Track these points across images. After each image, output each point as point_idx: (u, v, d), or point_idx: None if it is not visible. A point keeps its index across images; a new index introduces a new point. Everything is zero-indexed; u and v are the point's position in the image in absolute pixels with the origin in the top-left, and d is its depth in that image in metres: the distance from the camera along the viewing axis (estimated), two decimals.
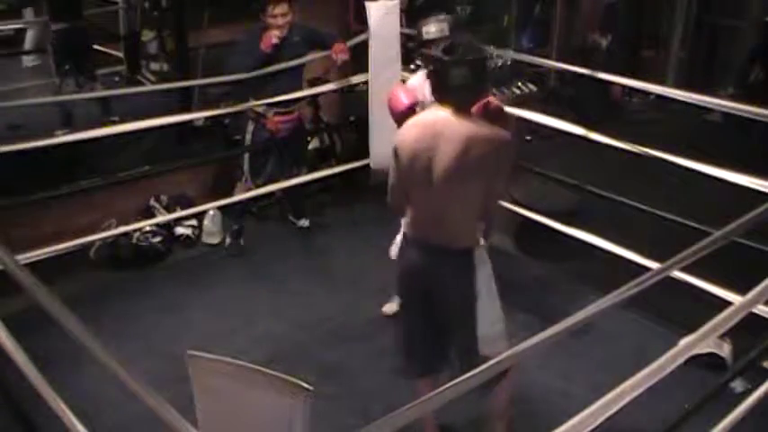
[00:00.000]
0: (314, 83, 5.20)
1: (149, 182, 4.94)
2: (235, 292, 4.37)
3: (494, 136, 2.61)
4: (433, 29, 3.38)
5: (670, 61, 7.97)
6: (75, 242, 4.10)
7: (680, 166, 3.69)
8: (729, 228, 2.19)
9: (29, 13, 6.31)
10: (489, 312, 2.77)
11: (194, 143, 5.34)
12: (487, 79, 2.74)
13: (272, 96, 4.53)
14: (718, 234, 2.16)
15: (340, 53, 4.54)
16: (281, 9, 4.34)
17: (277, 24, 4.34)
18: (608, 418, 1.83)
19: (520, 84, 6.90)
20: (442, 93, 2.62)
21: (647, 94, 6.59)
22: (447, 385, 1.62)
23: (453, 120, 2.59)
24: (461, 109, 2.61)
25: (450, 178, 2.59)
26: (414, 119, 2.79)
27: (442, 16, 3.41)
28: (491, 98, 3.01)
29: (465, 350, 2.82)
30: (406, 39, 5.20)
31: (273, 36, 4.33)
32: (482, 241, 2.78)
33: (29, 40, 6.32)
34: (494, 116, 2.83)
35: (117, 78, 6.12)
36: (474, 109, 2.69)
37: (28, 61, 6.41)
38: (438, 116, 2.64)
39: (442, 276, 2.74)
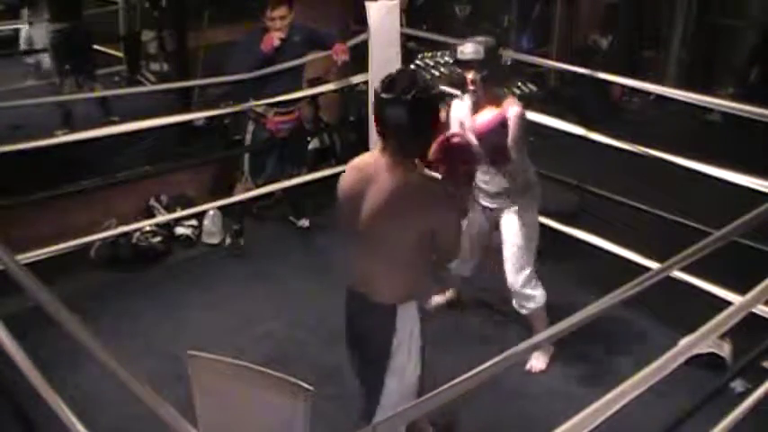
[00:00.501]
0: (314, 83, 5.20)
1: (149, 182, 4.94)
2: (235, 292, 4.36)
3: (423, 193, 2.35)
4: (468, 50, 3.23)
5: (670, 61, 7.97)
6: (75, 242, 4.10)
7: (680, 166, 3.69)
8: (729, 228, 2.19)
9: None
10: (399, 380, 2.53)
11: (194, 143, 5.34)
12: (435, 121, 2.36)
13: (272, 96, 4.53)
14: (718, 234, 2.16)
15: (340, 54, 4.54)
16: (279, 12, 4.34)
17: (276, 27, 4.35)
18: (608, 418, 1.84)
19: (520, 84, 6.90)
20: (380, 132, 2.36)
21: (647, 94, 6.59)
22: (446, 385, 1.62)
23: (388, 164, 2.35)
24: (399, 152, 2.34)
25: (373, 229, 2.39)
26: (355, 160, 2.54)
27: (481, 38, 3.32)
28: (459, 133, 2.89)
29: (362, 412, 2.67)
30: (406, 39, 5.21)
31: (275, 37, 4.33)
32: (412, 300, 2.50)
33: (23, 40, 6.33)
34: (453, 156, 2.56)
35: (117, 78, 6.12)
36: (434, 146, 2.48)
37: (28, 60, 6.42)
38: (375, 158, 2.41)
39: (361, 327, 2.57)
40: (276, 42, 4.33)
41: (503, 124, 3.12)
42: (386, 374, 2.51)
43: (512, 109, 3.22)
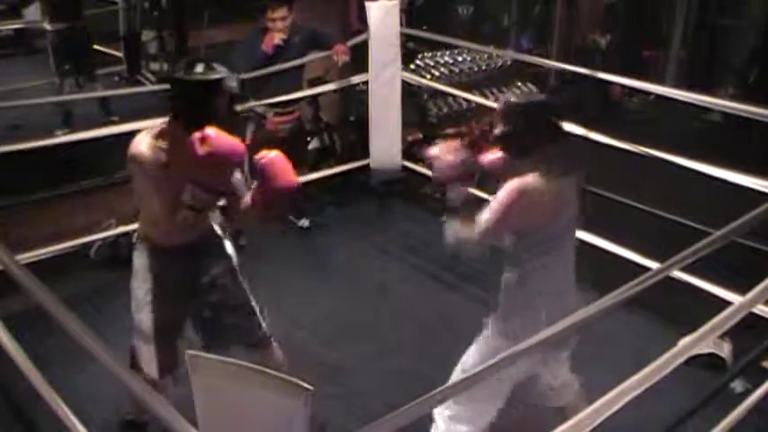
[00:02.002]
0: (314, 83, 5.20)
1: None
2: None
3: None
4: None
5: (670, 61, 7.97)
6: (75, 242, 4.10)
7: (680, 166, 3.69)
8: (729, 228, 2.20)
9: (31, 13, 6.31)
10: None
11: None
12: (204, 108, 2.41)
13: (271, 96, 4.53)
14: (718, 234, 2.16)
15: (341, 54, 4.54)
16: (280, 13, 4.36)
17: (276, 28, 4.36)
18: (608, 418, 1.84)
19: (520, 84, 6.91)
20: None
21: (647, 94, 6.59)
22: (446, 385, 1.63)
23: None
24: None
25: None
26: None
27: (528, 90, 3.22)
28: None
29: None
30: (405, 39, 5.21)
31: (276, 38, 4.34)
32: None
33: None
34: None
35: (117, 78, 6.12)
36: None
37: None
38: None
39: None
40: (277, 41, 4.34)
41: None
42: None
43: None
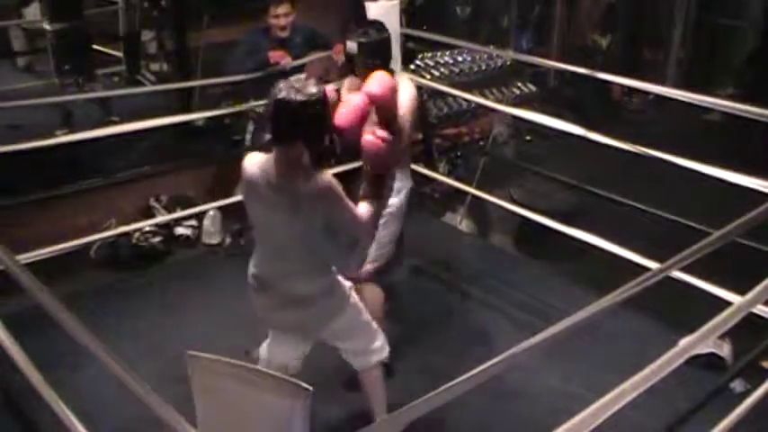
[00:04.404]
0: None
1: (149, 182, 4.93)
2: (235, 292, 4.34)
3: None
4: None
5: (670, 61, 7.97)
6: (75, 242, 4.10)
7: (680, 166, 3.69)
8: (729, 228, 2.20)
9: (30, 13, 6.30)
10: None
11: (194, 143, 5.33)
12: None
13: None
14: (718, 234, 2.16)
15: (341, 54, 4.54)
16: (283, 9, 4.38)
17: (280, 24, 4.38)
18: (608, 418, 1.84)
19: (520, 84, 6.91)
20: None
21: (647, 94, 6.59)
22: (446, 385, 1.63)
23: None
24: None
25: None
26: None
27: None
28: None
29: None
30: (405, 39, 5.20)
31: (284, 59, 4.42)
32: None
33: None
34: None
35: (117, 78, 6.11)
36: None
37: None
38: None
39: None
40: (284, 62, 4.38)
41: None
42: None
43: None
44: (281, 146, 2.50)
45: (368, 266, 3.42)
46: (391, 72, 3.27)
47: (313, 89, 2.46)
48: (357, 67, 3.31)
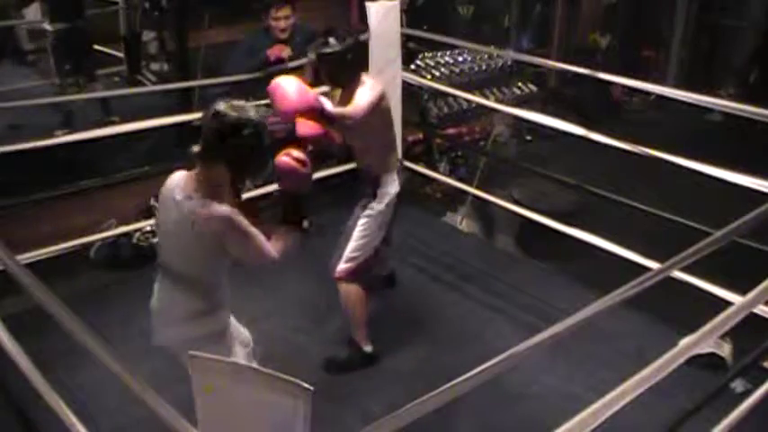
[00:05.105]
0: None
1: (149, 182, 4.91)
2: (234, 292, 4.33)
3: None
4: None
5: (670, 61, 7.97)
6: (75, 242, 4.10)
7: (680, 166, 3.69)
8: (729, 228, 2.20)
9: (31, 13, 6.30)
10: None
11: (194, 143, 5.32)
12: None
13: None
14: (718, 234, 2.16)
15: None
16: (284, 12, 4.40)
17: (280, 27, 4.39)
18: (608, 418, 1.84)
19: (520, 84, 6.91)
20: None
21: (647, 94, 6.60)
22: (446, 386, 1.63)
23: None
24: None
25: None
26: None
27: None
28: None
29: None
30: (406, 39, 5.20)
31: (283, 52, 4.39)
32: None
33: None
34: None
35: (117, 78, 6.11)
36: None
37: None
38: None
39: None
40: (284, 54, 4.38)
41: None
42: None
43: None
44: (203, 163, 2.43)
45: (342, 266, 3.44)
46: (358, 78, 3.27)
47: (251, 114, 2.37)
48: (321, 75, 3.29)
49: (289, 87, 3.02)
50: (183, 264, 2.53)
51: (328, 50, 3.23)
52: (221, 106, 2.38)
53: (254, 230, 2.47)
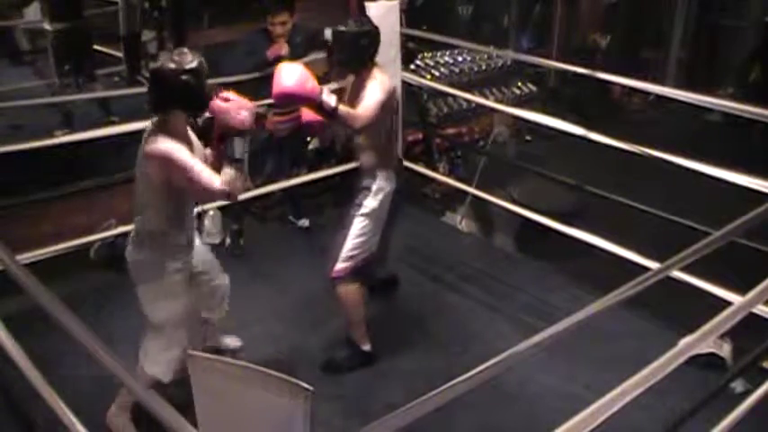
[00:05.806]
0: None
1: None
2: (235, 292, 4.35)
3: None
4: None
5: (670, 61, 7.97)
6: (75, 242, 4.10)
7: (680, 166, 3.69)
8: (729, 228, 2.20)
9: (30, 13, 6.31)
10: None
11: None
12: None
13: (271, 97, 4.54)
14: (718, 234, 2.16)
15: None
16: (280, 18, 4.44)
17: (277, 33, 4.43)
18: (608, 418, 1.84)
19: (520, 84, 6.91)
20: None
21: (647, 94, 6.60)
22: (446, 385, 1.62)
23: None
24: None
25: None
26: None
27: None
28: None
29: None
30: (406, 39, 5.20)
31: (282, 49, 4.39)
32: None
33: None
34: None
35: (117, 78, 6.12)
36: None
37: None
38: None
39: None
40: (283, 52, 4.39)
41: None
42: None
43: None
44: (157, 113, 2.70)
45: (340, 265, 3.44)
46: (368, 67, 3.31)
47: (189, 58, 2.62)
48: (333, 57, 3.34)
49: (290, 71, 3.10)
50: (140, 193, 2.87)
51: (344, 29, 3.26)
52: (160, 60, 2.68)
53: (195, 162, 2.68)
